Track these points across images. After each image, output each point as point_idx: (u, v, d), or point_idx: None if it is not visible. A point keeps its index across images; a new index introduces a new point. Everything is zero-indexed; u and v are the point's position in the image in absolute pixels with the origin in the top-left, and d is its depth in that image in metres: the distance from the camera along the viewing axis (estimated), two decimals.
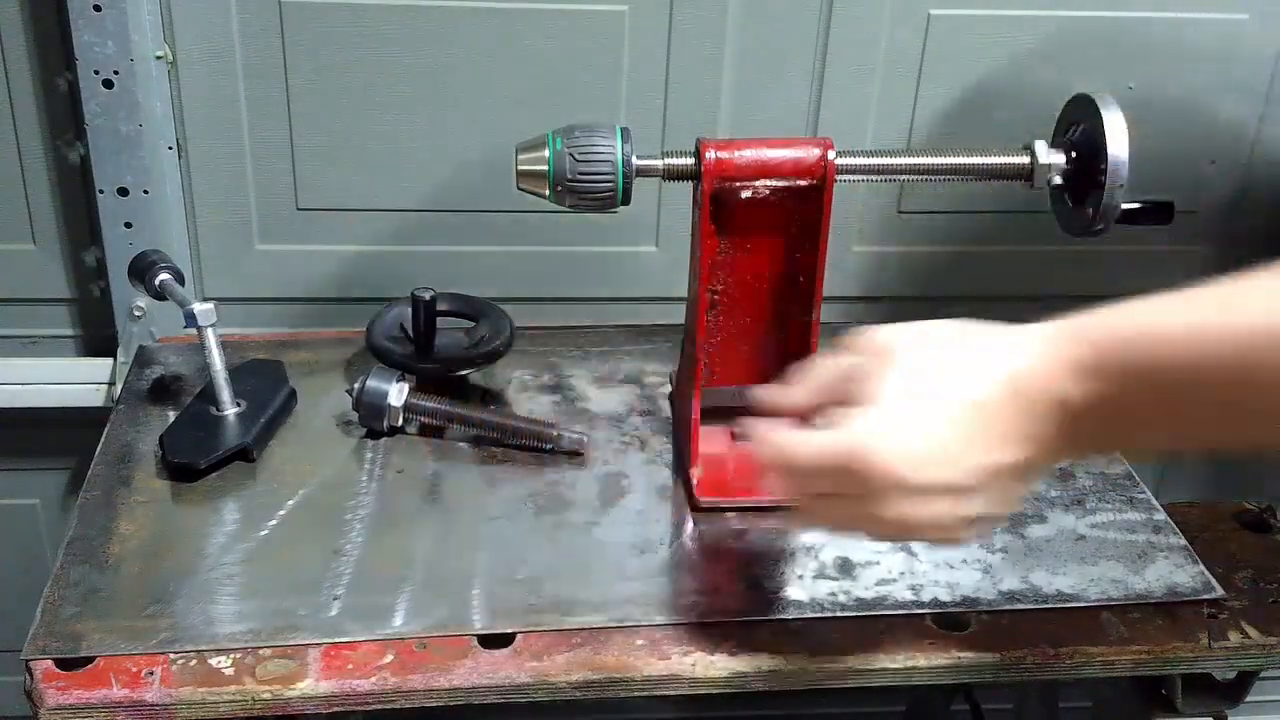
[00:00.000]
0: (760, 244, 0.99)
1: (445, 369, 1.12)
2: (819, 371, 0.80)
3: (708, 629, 0.89)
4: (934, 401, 0.71)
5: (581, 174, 0.92)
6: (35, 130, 1.22)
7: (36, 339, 1.32)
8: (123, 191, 1.21)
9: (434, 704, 0.85)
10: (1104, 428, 0.71)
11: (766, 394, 0.81)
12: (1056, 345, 0.71)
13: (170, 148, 1.22)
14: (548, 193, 0.94)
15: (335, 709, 0.84)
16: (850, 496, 0.73)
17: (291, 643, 0.86)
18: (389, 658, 0.85)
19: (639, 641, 0.87)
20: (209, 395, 1.06)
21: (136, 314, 1.26)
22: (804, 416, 0.78)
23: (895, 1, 1.24)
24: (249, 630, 0.86)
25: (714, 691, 0.87)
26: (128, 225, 1.22)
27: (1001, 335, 0.73)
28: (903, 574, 0.95)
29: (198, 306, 1.04)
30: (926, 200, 1.34)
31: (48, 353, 1.33)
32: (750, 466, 1.03)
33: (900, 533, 0.76)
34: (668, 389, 1.15)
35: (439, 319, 1.12)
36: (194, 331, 1.05)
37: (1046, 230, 1.02)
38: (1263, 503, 1.05)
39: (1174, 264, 1.39)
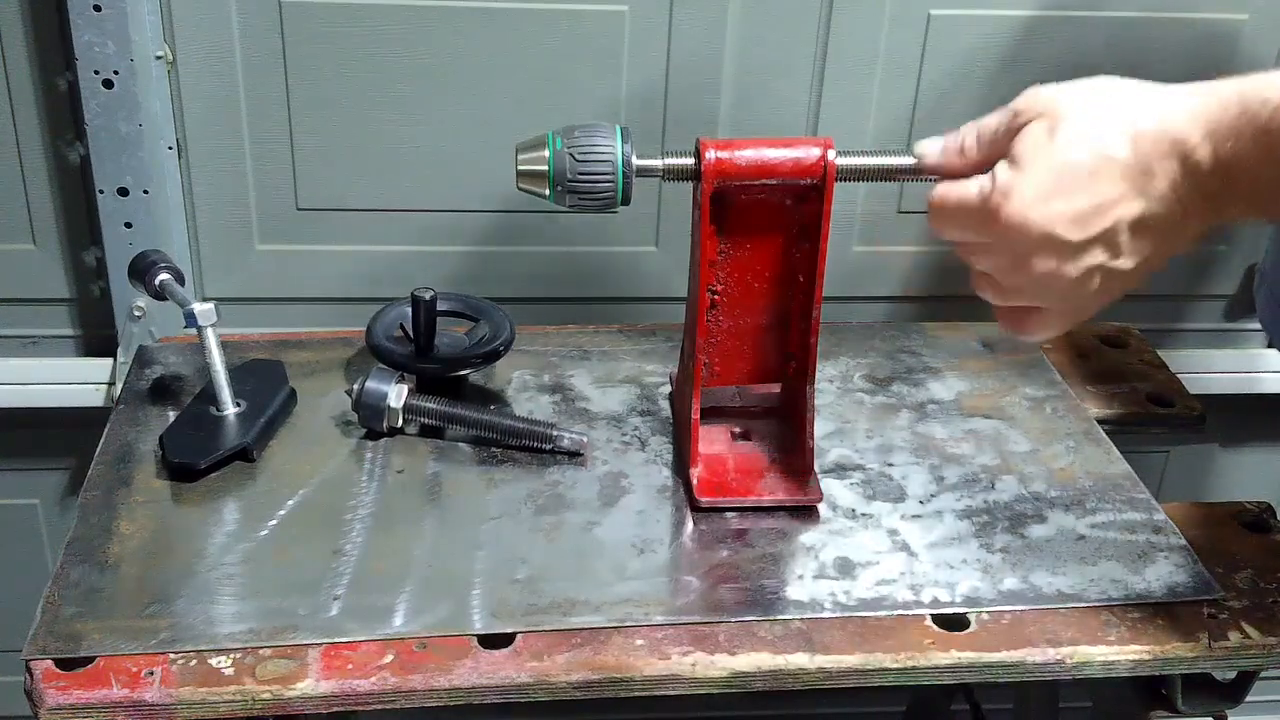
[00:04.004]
0: (760, 244, 0.99)
1: (445, 369, 1.12)
2: (986, 127, 0.86)
3: (708, 629, 0.89)
4: (1075, 166, 0.78)
5: (581, 174, 0.92)
6: (35, 130, 1.22)
7: (36, 339, 1.32)
8: (123, 191, 1.21)
9: (434, 704, 0.85)
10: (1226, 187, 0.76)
11: (933, 146, 0.89)
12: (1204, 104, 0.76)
13: (170, 148, 1.22)
14: (548, 193, 0.93)
15: (335, 709, 0.84)
16: (988, 244, 0.82)
17: (291, 643, 0.86)
18: (389, 658, 0.85)
19: (639, 641, 0.87)
20: (209, 395, 1.06)
21: (136, 314, 1.26)
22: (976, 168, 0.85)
23: (895, 1, 1.25)
24: (249, 630, 0.86)
25: (714, 691, 0.87)
26: (128, 225, 1.23)
27: (1154, 98, 0.79)
28: (903, 574, 0.95)
29: (198, 306, 1.04)
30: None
31: (48, 353, 1.33)
32: (750, 466, 1.04)
33: (1024, 287, 0.82)
34: (668, 389, 1.15)
35: (439, 319, 1.12)
36: (194, 331, 1.04)
37: None
38: (1263, 503, 1.05)
39: (1176, 263, 1.39)
